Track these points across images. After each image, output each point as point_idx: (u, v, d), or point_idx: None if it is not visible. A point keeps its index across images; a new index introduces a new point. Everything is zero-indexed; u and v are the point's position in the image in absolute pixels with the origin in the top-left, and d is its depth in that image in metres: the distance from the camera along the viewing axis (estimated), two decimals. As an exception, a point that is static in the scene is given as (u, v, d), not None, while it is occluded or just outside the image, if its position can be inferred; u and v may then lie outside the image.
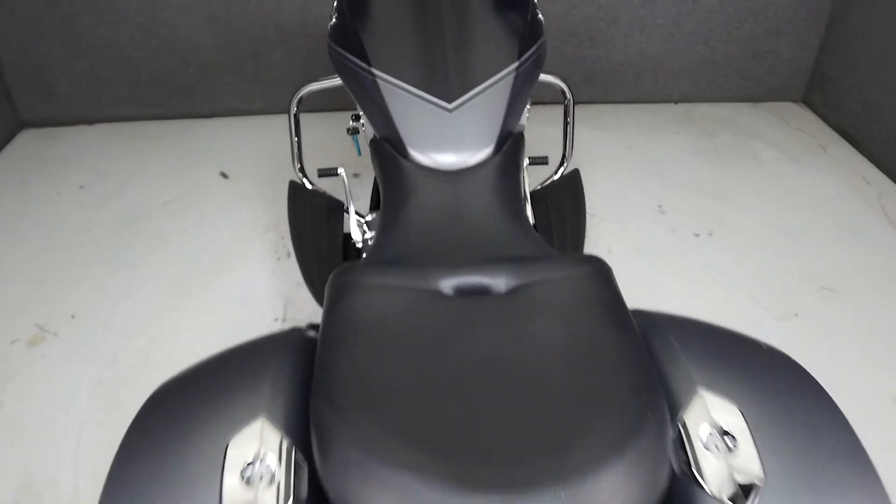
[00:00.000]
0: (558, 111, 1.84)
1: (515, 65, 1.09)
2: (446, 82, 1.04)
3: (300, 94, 1.54)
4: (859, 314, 1.80)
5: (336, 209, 1.61)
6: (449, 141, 1.01)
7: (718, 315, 1.80)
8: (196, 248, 2.02)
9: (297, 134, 1.60)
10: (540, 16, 1.22)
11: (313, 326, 0.75)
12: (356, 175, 2.33)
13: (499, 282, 0.76)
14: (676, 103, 2.90)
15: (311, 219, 1.59)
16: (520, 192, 1.02)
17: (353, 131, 1.53)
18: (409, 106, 1.03)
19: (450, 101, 1.03)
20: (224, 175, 2.39)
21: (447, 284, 0.75)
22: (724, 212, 2.20)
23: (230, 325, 1.73)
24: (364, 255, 1.50)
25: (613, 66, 2.78)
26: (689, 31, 2.70)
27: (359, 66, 1.10)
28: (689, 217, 2.18)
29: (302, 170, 1.64)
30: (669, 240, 2.08)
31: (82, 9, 2.48)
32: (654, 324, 0.72)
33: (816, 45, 2.76)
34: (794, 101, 2.90)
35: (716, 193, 2.30)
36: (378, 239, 0.93)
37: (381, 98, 1.05)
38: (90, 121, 2.74)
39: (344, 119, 2.48)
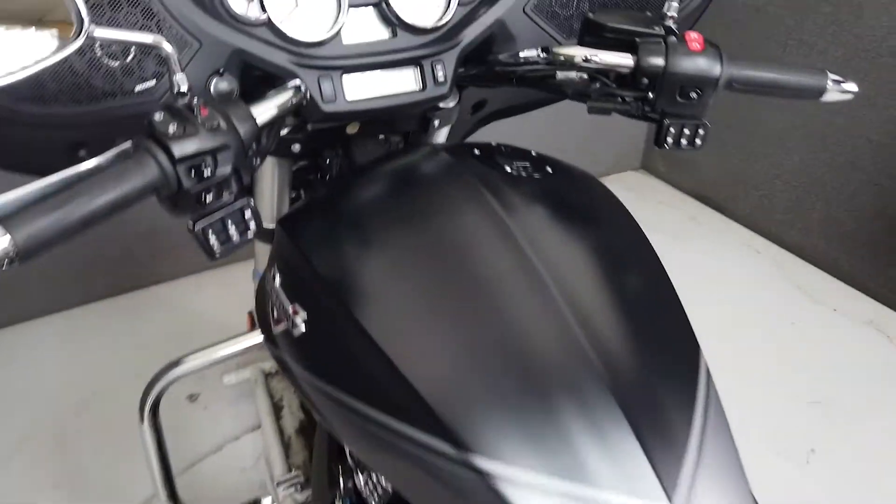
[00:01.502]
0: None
1: (705, 365, 0.57)
2: (642, 460, 0.47)
3: (160, 386, 0.85)
4: (861, 426, 1.62)
5: None
6: None
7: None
8: None
9: (161, 448, 0.90)
10: None
11: None
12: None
13: None
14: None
15: None
16: None
17: None
18: None
19: (671, 495, 0.47)
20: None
21: None
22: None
23: None
24: None
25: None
26: (538, 117, 2.42)
27: (424, 445, 0.49)
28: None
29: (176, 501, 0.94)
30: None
31: None
32: None
33: (647, 111, 2.68)
34: (634, 168, 2.80)
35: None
36: None
37: None
38: None
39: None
